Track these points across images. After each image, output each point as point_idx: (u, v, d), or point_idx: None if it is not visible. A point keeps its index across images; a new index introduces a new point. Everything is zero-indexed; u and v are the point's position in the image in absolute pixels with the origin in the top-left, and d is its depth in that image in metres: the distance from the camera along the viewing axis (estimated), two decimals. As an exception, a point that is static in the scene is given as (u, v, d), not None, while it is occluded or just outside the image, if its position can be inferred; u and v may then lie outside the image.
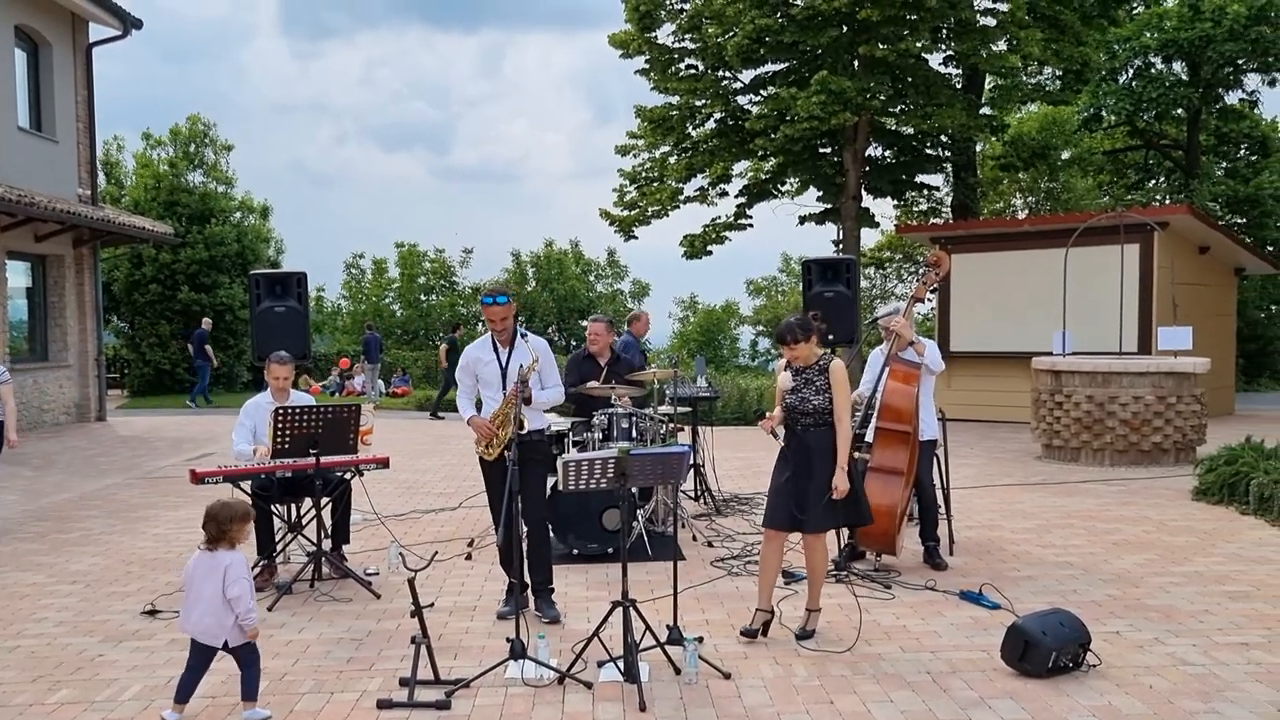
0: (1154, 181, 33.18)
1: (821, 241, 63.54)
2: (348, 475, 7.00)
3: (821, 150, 21.44)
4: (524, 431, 5.79)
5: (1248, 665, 5.15)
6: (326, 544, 6.89)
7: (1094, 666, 5.10)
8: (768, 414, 5.74)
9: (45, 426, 16.88)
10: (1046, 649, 4.93)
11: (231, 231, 27.29)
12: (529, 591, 6.08)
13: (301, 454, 6.63)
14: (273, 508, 6.94)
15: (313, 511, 6.80)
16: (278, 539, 7.00)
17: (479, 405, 6.22)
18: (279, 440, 6.55)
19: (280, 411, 6.56)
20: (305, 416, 6.59)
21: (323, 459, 6.66)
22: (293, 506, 7.20)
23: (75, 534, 8.64)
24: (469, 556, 7.56)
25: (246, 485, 6.75)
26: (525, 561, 5.91)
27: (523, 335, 6.09)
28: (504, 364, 6.04)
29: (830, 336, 9.22)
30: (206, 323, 23.69)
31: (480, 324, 38.05)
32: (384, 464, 7.21)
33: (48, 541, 8.35)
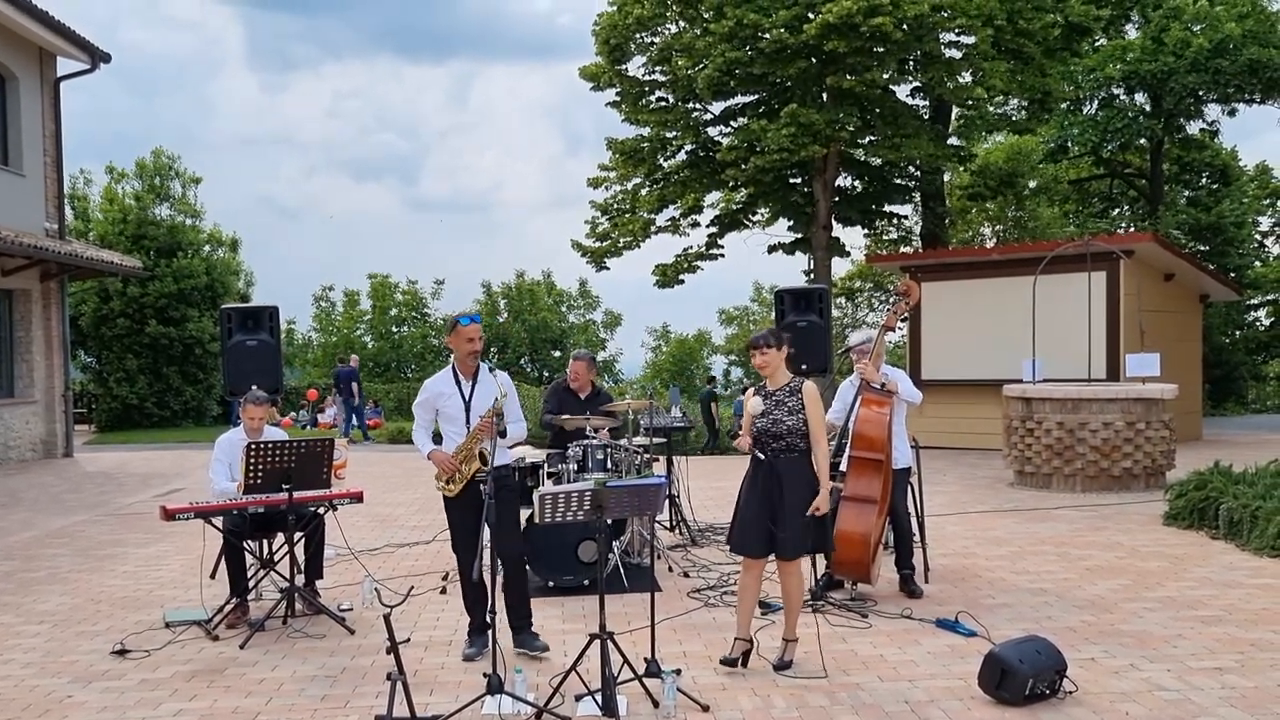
0: (1119, 210, 33.71)
1: (792, 271, 63.86)
2: (321, 510, 6.94)
3: (792, 181, 21.61)
4: (489, 468, 5.63)
5: (1222, 690, 5.18)
6: (299, 580, 6.83)
7: (1070, 693, 5.11)
8: (741, 432, 5.72)
9: (11, 463, 16.64)
10: (1023, 676, 4.94)
11: (200, 264, 27.15)
12: (512, 632, 5.97)
13: (274, 489, 6.56)
14: (245, 544, 6.86)
15: (285, 547, 6.74)
16: (250, 575, 6.92)
17: (437, 439, 6.05)
18: (251, 475, 6.49)
19: (253, 446, 6.50)
20: (278, 451, 6.54)
21: (296, 494, 6.60)
22: (265, 542, 7.12)
23: (42, 573, 8.50)
24: (444, 590, 7.51)
25: (218, 521, 6.68)
26: (497, 599, 5.85)
27: (490, 369, 6.01)
28: (467, 398, 5.92)
29: (804, 366, 9.26)
30: (355, 360, 24.54)
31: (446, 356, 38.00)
32: (358, 498, 7.15)
33: (14, 580, 8.21)
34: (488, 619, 5.42)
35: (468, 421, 5.88)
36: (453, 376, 5.99)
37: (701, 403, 20.59)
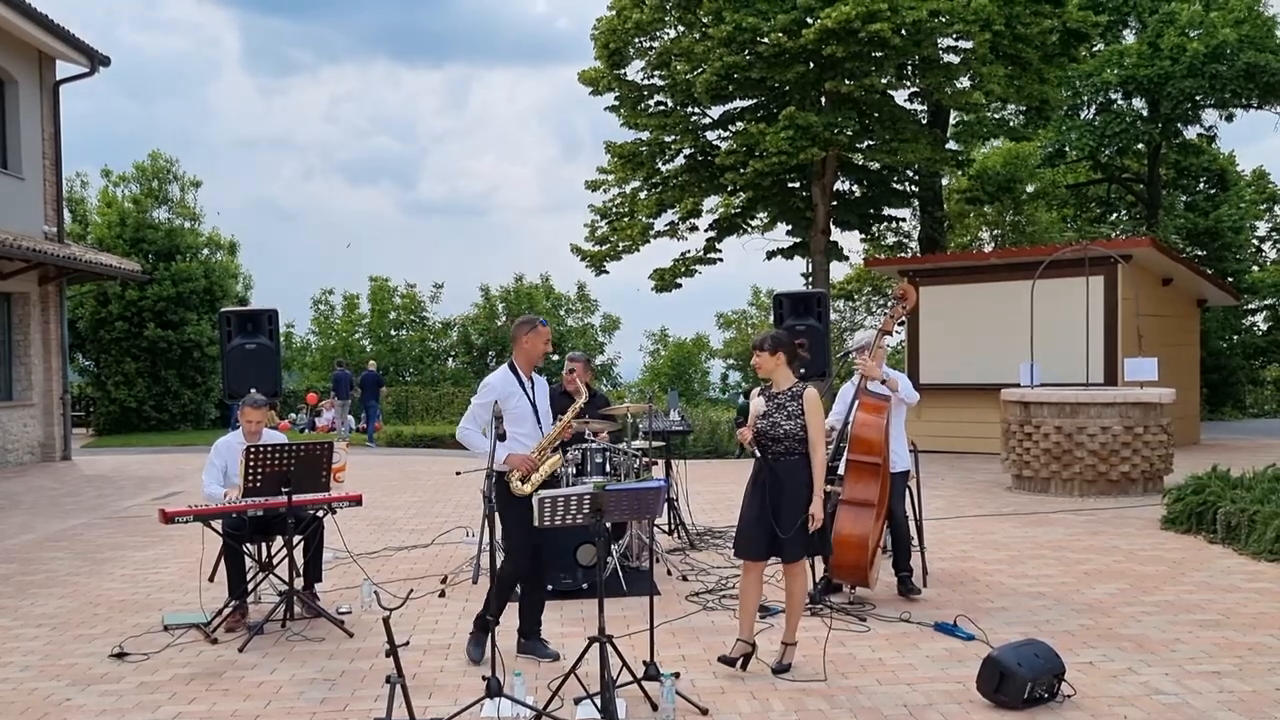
0: (1117, 214, 33.74)
1: (791, 275, 63.85)
2: (320, 513, 6.94)
3: (790, 185, 21.65)
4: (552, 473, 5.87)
5: (1220, 694, 5.19)
6: (298, 583, 6.82)
7: (1069, 697, 5.12)
8: (745, 427, 5.75)
9: (9, 466, 16.62)
10: (1022, 680, 4.95)
11: (199, 268, 27.14)
12: (523, 638, 6.01)
13: (273, 492, 6.56)
14: (244, 547, 6.85)
15: (284, 550, 6.74)
16: (249, 578, 6.91)
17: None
18: (251, 478, 6.49)
19: (252, 450, 6.50)
20: (277, 454, 6.54)
21: (295, 497, 6.60)
22: (264, 545, 7.12)
23: (40, 576, 8.50)
24: (443, 594, 7.51)
25: (217, 524, 6.68)
26: (508, 602, 5.86)
27: (557, 377, 6.18)
28: (533, 398, 5.99)
29: (802, 370, 9.27)
30: (372, 364, 25.04)
31: (452, 358, 37.96)
32: (356, 501, 7.15)
33: (12, 584, 8.20)
34: (488, 620, 5.44)
35: (538, 422, 5.95)
36: (514, 376, 6.00)
37: (742, 412, 20.48)
